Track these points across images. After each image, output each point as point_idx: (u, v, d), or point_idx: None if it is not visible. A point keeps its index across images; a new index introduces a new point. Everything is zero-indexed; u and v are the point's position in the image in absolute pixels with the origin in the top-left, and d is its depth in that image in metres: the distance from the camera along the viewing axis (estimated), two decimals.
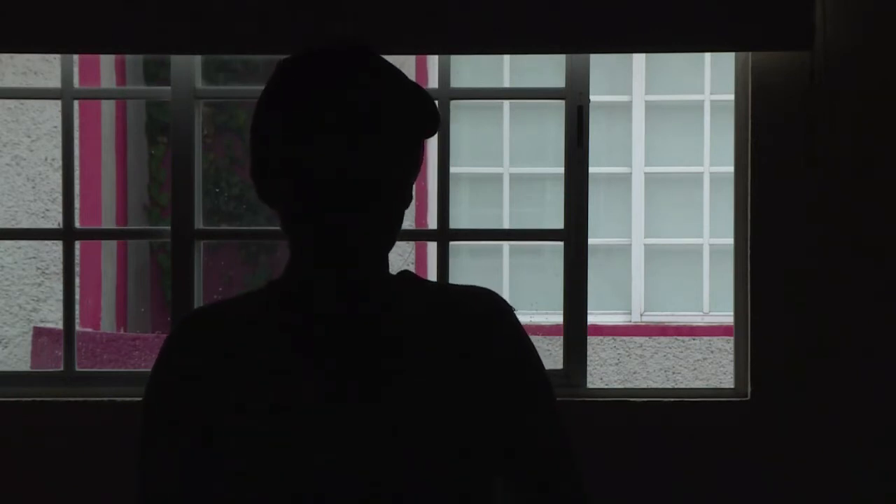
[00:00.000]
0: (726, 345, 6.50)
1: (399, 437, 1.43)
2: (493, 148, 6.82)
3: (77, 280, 5.84)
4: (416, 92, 1.47)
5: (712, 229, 6.75)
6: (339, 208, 1.41)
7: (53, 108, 6.12)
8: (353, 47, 1.47)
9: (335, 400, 1.44)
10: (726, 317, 6.26)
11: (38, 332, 5.79)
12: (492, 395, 1.50)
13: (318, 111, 1.41)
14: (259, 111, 1.48)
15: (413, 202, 1.56)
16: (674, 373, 6.67)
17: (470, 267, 6.75)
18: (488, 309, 1.53)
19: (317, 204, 1.42)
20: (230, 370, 1.46)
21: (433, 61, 6.19)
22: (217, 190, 6.78)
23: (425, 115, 1.47)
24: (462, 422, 1.46)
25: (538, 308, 6.48)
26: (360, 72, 1.44)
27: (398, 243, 1.55)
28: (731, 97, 3.36)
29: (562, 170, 3.31)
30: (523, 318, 1.59)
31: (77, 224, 3.47)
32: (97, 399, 3.24)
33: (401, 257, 6.47)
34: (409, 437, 1.43)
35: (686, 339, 6.68)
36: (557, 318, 3.69)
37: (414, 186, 1.51)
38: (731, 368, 3.91)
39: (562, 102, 3.30)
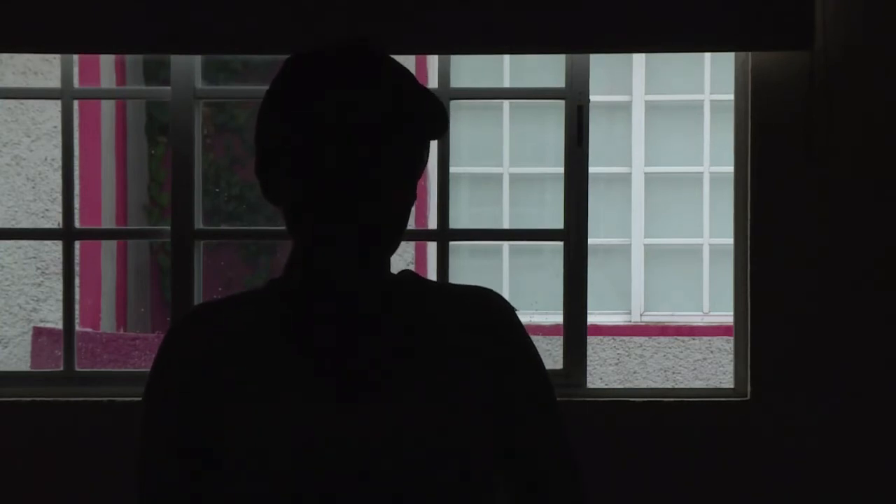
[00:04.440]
0: (726, 345, 6.50)
1: (400, 437, 1.42)
2: (493, 148, 6.82)
3: (77, 280, 5.84)
4: (425, 94, 1.46)
5: (712, 229, 6.75)
6: (344, 208, 1.41)
7: (53, 108, 6.12)
8: (361, 47, 1.45)
9: (334, 399, 1.44)
10: (726, 317, 6.26)
11: (38, 332, 5.79)
12: (493, 394, 1.50)
13: (326, 112, 1.40)
14: (265, 108, 1.47)
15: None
16: (674, 373, 6.67)
17: (470, 267, 6.75)
18: (490, 308, 1.53)
19: (321, 204, 1.41)
20: (228, 367, 1.46)
21: (433, 61, 6.19)
22: (217, 190, 6.78)
23: (434, 118, 1.46)
24: (463, 421, 1.46)
25: (538, 308, 6.48)
26: (369, 72, 1.43)
27: None
28: (731, 97, 3.36)
29: (562, 170, 3.31)
30: (523, 317, 1.58)
31: (77, 224, 3.47)
32: (97, 399, 3.24)
33: (401, 257, 6.47)
34: (409, 436, 1.43)
35: (686, 339, 6.67)
36: (557, 318, 3.69)
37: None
38: (731, 368, 3.91)
39: (562, 102, 3.30)
